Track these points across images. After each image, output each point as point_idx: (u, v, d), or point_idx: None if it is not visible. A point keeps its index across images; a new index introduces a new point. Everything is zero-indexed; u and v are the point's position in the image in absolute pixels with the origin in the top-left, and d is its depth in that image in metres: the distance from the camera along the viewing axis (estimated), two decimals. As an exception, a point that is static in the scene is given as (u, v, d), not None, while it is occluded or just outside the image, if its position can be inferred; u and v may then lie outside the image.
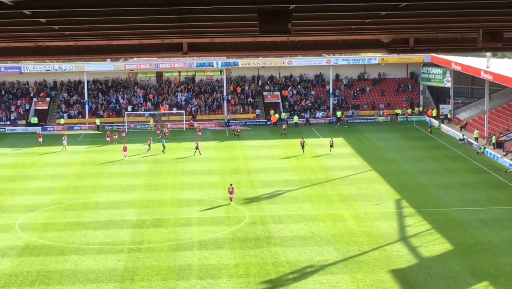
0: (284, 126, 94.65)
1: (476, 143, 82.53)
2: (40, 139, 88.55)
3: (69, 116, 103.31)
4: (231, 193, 59.90)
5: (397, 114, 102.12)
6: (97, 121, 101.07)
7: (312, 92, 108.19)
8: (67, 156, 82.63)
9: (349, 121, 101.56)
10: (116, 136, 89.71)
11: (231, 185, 60.78)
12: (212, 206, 59.30)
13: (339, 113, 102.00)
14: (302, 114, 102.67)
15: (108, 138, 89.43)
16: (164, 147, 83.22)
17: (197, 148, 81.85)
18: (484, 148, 79.85)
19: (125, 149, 79.11)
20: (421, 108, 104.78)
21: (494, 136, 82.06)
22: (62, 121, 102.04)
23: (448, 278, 43.48)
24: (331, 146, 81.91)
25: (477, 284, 42.67)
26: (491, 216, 56.27)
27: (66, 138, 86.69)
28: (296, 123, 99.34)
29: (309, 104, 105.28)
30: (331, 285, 42.45)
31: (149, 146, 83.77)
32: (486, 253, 47.84)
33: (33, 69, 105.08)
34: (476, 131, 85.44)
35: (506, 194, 62.79)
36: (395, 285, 42.51)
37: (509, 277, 43.49)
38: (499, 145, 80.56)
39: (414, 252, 48.31)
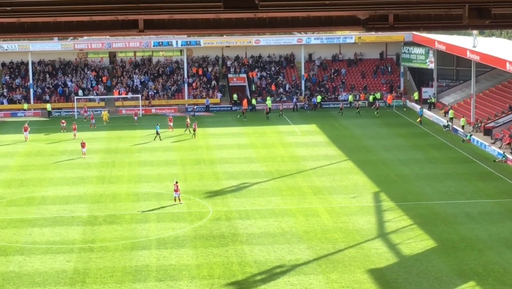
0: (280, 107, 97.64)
1: (462, 130, 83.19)
2: None
3: (11, 102, 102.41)
4: (175, 191, 58.76)
5: (375, 99, 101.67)
6: (48, 106, 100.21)
7: (282, 74, 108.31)
8: (10, 146, 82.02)
9: (323, 106, 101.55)
10: (65, 124, 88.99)
11: (176, 182, 59.66)
12: (171, 201, 59.20)
13: (319, 98, 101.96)
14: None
15: (63, 125, 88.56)
16: (158, 133, 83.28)
17: (194, 130, 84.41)
18: (471, 135, 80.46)
19: (83, 145, 75.22)
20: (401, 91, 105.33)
21: (481, 124, 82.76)
22: (25, 106, 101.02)
23: (431, 278, 43.87)
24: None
25: (463, 284, 43.12)
26: (478, 210, 56.78)
27: (28, 130, 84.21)
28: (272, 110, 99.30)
29: (285, 88, 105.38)
30: (303, 287, 42.66)
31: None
32: (473, 250, 48.30)
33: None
34: (462, 119, 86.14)
35: (494, 186, 63.38)
36: (373, 286, 42.82)
37: (498, 277, 43.97)
38: (486, 132, 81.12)
39: (394, 249, 48.66)
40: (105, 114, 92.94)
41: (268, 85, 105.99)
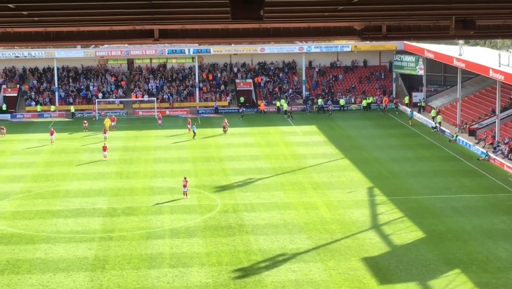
0: (290, 109, 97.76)
1: (432, 122, 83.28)
2: (3, 131, 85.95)
3: (39, 104, 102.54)
4: (184, 186, 58.65)
5: (368, 104, 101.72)
6: (72, 108, 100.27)
7: (285, 79, 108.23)
8: (37, 143, 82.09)
9: (325, 109, 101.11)
10: (87, 124, 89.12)
11: (185, 178, 59.76)
12: (184, 195, 59.14)
13: (319, 101, 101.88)
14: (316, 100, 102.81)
15: (85, 125, 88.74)
16: (194, 133, 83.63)
17: (224, 128, 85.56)
18: (457, 136, 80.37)
19: (104, 149, 74.02)
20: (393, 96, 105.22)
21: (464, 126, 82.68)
22: (52, 108, 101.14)
23: (420, 265, 43.83)
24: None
25: (449, 271, 43.06)
26: (463, 203, 56.72)
27: (54, 133, 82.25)
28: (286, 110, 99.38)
29: (289, 91, 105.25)
30: (303, 273, 42.63)
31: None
32: (458, 240, 48.26)
33: (1, 55, 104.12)
34: (433, 111, 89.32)
35: (477, 182, 63.30)
36: (367, 273, 42.78)
37: (480, 265, 43.92)
38: (471, 133, 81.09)
39: (386, 240, 48.62)
40: (107, 121, 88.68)
41: (273, 89, 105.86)
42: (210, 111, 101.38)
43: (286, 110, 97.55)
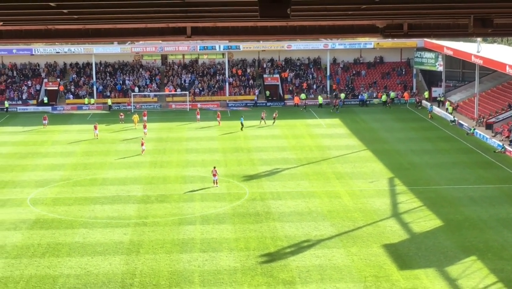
0: (335, 102, 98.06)
1: (450, 116, 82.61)
2: (45, 122, 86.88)
3: (78, 97, 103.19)
4: (214, 175, 58.80)
5: (392, 99, 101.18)
6: (109, 101, 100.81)
7: (311, 75, 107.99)
8: (76, 134, 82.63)
9: (345, 103, 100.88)
10: (123, 117, 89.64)
11: (214, 167, 59.91)
12: (214, 183, 59.27)
13: (342, 95, 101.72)
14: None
15: (121, 117, 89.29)
16: (242, 125, 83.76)
17: (274, 118, 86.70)
18: (474, 129, 79.84)
19: (142, 144, 72.27)
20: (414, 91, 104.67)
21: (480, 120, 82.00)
22: (92, 100, 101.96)
23: (438, 252, 43.64)
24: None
25: (465, 258, 42.84)
26: (480, 194, 56.37)
27: (97, 128, 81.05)
28: (320, 104, 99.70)
29: (313, 87, 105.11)
30: (327, 259, 42.61)
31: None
32: (475, 229, 47.99)
33: (43, 51, 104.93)
34: (447, 104, 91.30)
35: (494, 173, 62.86)
36: (387, 258, 42.68)
37: (496, 252, 43.65)
38: (488, 126, 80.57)
39: (406, 227, 48.45)
40: (135, 117, 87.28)
41: (300, 84, 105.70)
42: (240, 104, 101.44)
43: (321, 104, 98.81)
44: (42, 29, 28.22)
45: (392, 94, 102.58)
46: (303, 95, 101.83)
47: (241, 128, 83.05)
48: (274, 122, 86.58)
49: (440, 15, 25.50)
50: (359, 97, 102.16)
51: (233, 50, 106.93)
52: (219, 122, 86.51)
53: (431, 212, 51.85)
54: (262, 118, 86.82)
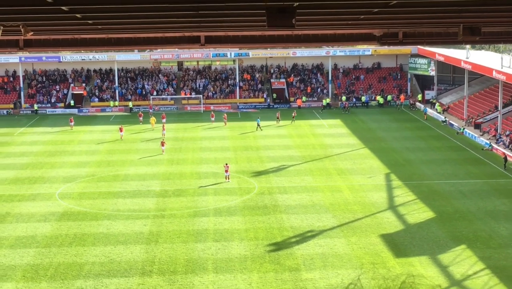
0: (345, 105, 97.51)
1: (442, 116, 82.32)
2: (72, 123, 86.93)
3: (101, 100, 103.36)
4: (226, 171, 58.73)
5: (387, 101, 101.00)
6: (130, 104, 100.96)
7: (314, 79, 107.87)
8: (100, 134, 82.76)
9: (348, 105, 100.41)
10: (141, 118, 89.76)
11: (226, 164, 59.91)
12: (225, 179, 59.27)
13: (343, 98, 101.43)
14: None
15: (140, 118, 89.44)
16: (258, 125, 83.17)
17: (293, 117, 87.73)
18: (464, 129, 79.66)
19: (162, 144, 71.41)
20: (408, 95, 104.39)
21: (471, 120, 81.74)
22: (117, 103, 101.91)
23: (431, 241, 43.56)
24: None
25: (456, 247, 42.75)
26: (469, 188, 56.22)
27: (123, 130, 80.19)
28: (328, 104, 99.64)
29: (317, 90, 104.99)
30: (329, 248, 42.58)
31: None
32: (464, 220, 47.87)
33: (70, 58, 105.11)
34: (436, 104, 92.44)
35: (481, 169, 62.69)
36: (384, 247, 42.63)
37: (484, 242, 43.55)
38: (476, 126, 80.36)
39: (401, 219, 48.37)
40: (152, 120, 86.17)
41: (304, 88, 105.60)
42: (249, 106, 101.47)
43: (329, 104, 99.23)
44: (69, 38, 28.31)
45: (389, 97, 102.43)
46: (304, 98, 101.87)
47: (259, 129, 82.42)
48: (292, 121, 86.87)
49: (432, 24, 25.48)
50: (364, 99, 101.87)
51: (243, 57, 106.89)
52: (225, 123, 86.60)
53: (424, 204, 51.75)
54: (277, 118, 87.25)
